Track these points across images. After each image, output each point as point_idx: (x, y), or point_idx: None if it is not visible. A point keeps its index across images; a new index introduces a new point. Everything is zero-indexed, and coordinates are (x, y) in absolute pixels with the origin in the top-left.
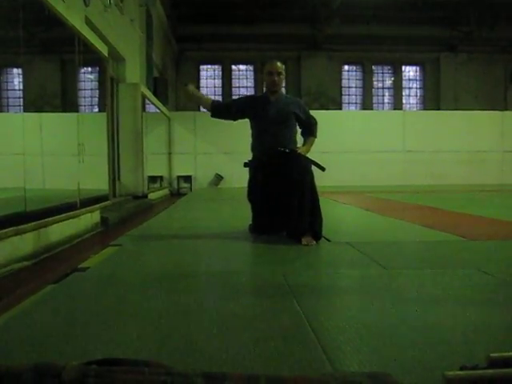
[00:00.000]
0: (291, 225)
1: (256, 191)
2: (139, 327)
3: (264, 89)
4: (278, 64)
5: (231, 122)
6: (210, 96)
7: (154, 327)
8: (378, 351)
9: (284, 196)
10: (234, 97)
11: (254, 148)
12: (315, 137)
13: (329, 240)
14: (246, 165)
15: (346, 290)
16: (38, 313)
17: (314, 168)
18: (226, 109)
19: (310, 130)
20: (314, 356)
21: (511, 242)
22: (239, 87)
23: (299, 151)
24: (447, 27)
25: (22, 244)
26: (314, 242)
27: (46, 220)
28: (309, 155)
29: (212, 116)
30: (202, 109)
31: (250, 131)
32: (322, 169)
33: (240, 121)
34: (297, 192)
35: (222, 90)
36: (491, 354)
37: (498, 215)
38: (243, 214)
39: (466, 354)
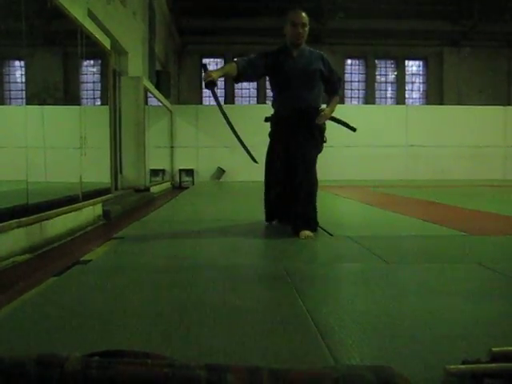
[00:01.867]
0: (291, 214)
1: (273, 161)
2: (141, 320)
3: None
4: (303, 14)
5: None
6: (230, 64)
7: (156, 320)
8: (379, 344)
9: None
10: (236, 91)
11: (275, 104)
12: (338, 95)
13: (330, 234)
14: (267, 119)
15: (348, 284)
16: (41, 305)
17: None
18: (253, 73)
19: (332, 87)
20: (315, 349)
21: None
22: None
23: (323, 113)
24: (450, 21)
25: (24, 236)
26: (312, 235)
27: (49, 213)
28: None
29: (236, 83)
30: (204, 102)
31: (252, 123)
32: (353, 129)
33: (238, 116)
34: (299, 185)
35: (225, 84)
36: (493, 349)
37: (500, 210)
38: (245, 208)
39: (468, 348)
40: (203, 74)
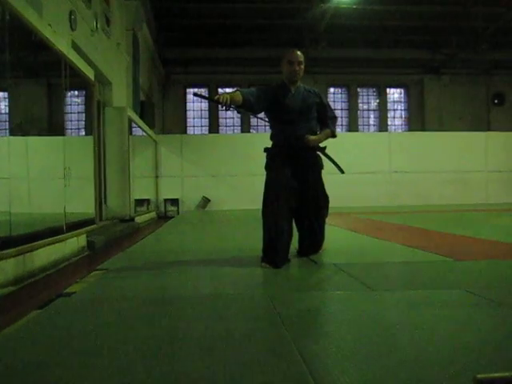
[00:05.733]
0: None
1: (275, 185)
2: (125, 353)
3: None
4: (299, 53)
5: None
6: (234, 92)
7: (141, 353)
8: (365, 373)
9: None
10: (220, 120)
11: (274, 137)
12: (331, 130)
13: (315, 262)
14: (265, 150)
15: (333, 312)
16: (23, 339)
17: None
18: (256, 104)
19: (325, 122)
20: (301, 379)
21: (498, 262)
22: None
23: (308, 138)
24: (430, 50)
25: (6, 269)
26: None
27: (32, 244)
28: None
29: (238, 111)
30: (188, 131)
31: (236, 152)
32: (342, 171)
33: (225, 141)
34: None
35: (209, 113)
36: (478, 375)
37: (484, 235)
38: (230, 237)
39: (454, 375)
40: (219, 97)
